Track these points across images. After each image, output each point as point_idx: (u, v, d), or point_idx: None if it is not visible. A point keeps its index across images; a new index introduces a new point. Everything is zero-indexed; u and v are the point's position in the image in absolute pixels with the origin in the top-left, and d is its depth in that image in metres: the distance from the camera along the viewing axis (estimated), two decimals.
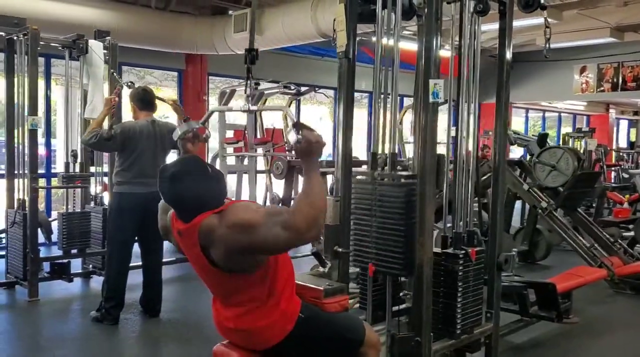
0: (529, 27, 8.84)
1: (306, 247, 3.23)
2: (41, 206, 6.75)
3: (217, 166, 8.15)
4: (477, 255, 3.08)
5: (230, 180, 8.21)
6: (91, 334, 4.13)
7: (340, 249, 2.83)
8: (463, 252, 3.02)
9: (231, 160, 8.17)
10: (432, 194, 2.85)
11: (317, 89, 8.21)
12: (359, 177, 2.99)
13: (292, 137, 2.06)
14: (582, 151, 9.17)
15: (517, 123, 15.37)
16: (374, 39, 2.98)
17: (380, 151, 2.93)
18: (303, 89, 8.22)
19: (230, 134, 8.08)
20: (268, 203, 6.67)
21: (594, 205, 8.96)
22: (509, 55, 3.28)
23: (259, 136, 8.51)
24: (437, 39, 2.82)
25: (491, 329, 3.31)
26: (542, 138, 8.17)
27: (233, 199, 2.34)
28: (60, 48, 5.27)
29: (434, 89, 2.81)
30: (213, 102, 8.60)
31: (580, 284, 4.62)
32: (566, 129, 15.58)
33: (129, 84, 4.50)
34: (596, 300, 5.30)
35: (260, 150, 8.16)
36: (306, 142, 2.06)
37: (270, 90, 8.06)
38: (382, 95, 2.96)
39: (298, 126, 2.08)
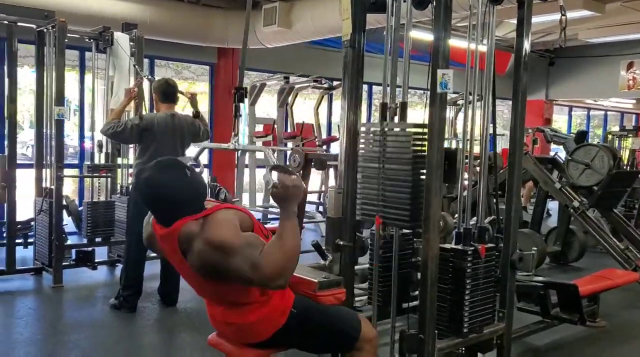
0: (570, 21, 8.59)
1: (306, 239, 3.20)
2: (73, 195, 6.95)
3: (246, 160, 8.22)
4: (487, 252, 2.99)
5: (259, 174, 8.27)
6: (107, 321, 4.20)
7: (342, 242, 2.78)
8: (472, 248, 2.93)
9: (260, 154, 8.22)
10: (438, 188, 2.77)
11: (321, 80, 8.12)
12: (367, 128, 2.91)
13: (267, 180, 2.02)
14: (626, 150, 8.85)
15: (559, 121, 14.96)
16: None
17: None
18: (335, 83, 8.18)
19: (259, 128, 8.13)
20: None
21: (637, 206, 8.62)
22: (527, 46, 3.16)
23: (289, 131, 8.54)
24: (446, 28, 2.74)
25: (503, 329, 3.21)
26: (580, 136, 7.94)
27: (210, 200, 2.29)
28: (87, 40, 5.36)
29: (442, 80, 2.73)
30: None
31: (608, 287, 4.43)
32: (614, 128, 15.06)
33: (149, 77, 4.54)
34: (627, 304, 5.09)
35: (290, 145, 8.18)
36: (282, 187, 2.01)
37: (300, 85, 8.06)
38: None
39: (275, 168, 2.03)
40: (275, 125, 8.01)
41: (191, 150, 4.44)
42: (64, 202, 5.60)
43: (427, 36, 2.95)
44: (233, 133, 2.51)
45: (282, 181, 2.01)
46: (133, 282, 4.34)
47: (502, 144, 11.59)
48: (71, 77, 7.64)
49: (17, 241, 5.81)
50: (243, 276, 2.00)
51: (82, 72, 7.19)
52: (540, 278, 4.06)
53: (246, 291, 2.16)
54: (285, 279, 2.04)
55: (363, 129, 2.90)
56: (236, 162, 8.15)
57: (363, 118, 3.08)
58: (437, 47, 2.73)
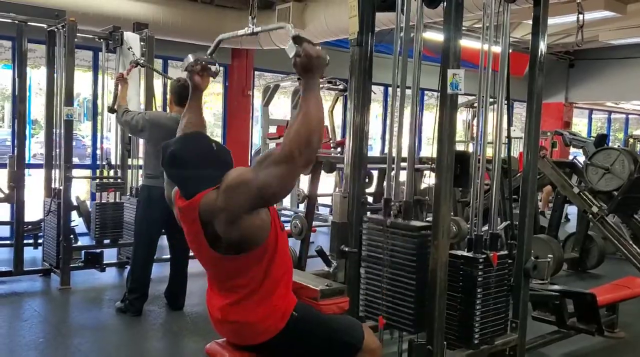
0: (591, 22, 8.40)
1: (311, 247, 3.10)
2: (86, 196, 6.93)
3: (320, 91, 8.08)
4: (500, 260, 2.87)
5: None
6: (112, 324, 4.14)
7: (347, 248, 2.68)
8: (484, 256, 2.82)
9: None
10: (448, 192, 2.66)
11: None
12: (371, 224, 2.81)
13: (290, 50, 1.87)
14: None
15: (579, 124, 14.70)
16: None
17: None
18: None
19: (273, 129, 8.05)
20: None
21: None
22: (543, 46, 3.04)
23: None
24: (458, 27, 2.63)
25: (516, 340, 3.09)
26: (600, 139, 7.73)
27: None
28: (97, 40, 5.32)
29: (453, 80, 2.62)
30: (258, 97, 8.57)
31: (627, 297, 4.28)
32: (635, 131, 14.75)
33: (141, 61, 4.54)
34: None
35: None
36: (306, 56, 1.86)
37: None
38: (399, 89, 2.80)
39: (298, 39, 1.88)
40: None
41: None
42: (75, 203, 5.59)
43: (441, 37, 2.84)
44: (250, 17, 2.32)
45: (307, 50, 1.87)
46: (139, 285, 4.28)
47: (520, 147, 11.43)
48: (86, 78, 7.65)
49: (28, 241, 5.81)
50: (272, 181, 1.87)
51: (96, 72, 7.16)
52: (556, 287, 3.92)
53: (255, 270, 2.08)
54: (312, 149, 1.86)
55: (368, 223, 2.80)
56: (249, 163, 8.08)
57: (378, 121, 2.98)
58: (447, 47, 2.63)
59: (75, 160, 5.88)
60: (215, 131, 8.99)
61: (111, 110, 4.51)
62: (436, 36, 6.27)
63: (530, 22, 3.05)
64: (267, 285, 2.12)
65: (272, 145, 8.00)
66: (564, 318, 3.88)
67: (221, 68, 8.83)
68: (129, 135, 5.19)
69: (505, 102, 3.02)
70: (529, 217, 3.10)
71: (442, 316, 2.67)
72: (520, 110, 15.49)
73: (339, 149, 8.10)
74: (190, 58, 2.42)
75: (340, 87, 8.07)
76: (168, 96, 4.36)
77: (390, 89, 2.92)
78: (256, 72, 8.92)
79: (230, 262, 2.11)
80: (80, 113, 7.65)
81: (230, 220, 1.99)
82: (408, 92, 2.85)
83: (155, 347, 3.88)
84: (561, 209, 6.44)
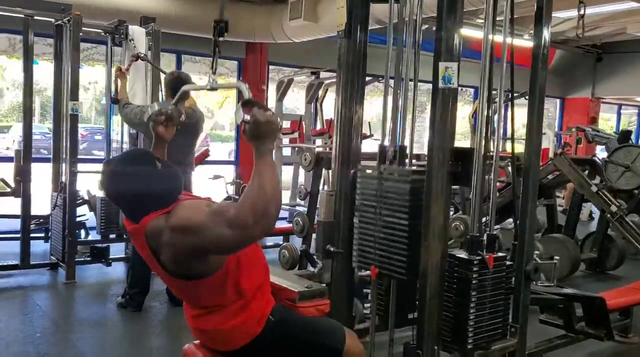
0: (618, 14, 8.11)
1: (298, 242, 3.02)
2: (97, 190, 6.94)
3: (273, 157, 8.06)
4: (496, 262, 2.74)
5: (286, 172, 8.13)
6: (112, 320, 4.13)
7: (332, 248, 2.59)
8: (479, 257, 2.70)
9: (287, 151, 8.08)
10: (441, 190, 2.54)
11: (380, 79, 7.90)
12: (365, 171, 2.73)
13: (238, 116, 1.79)
14: None
15: (607, 120, 14.31)
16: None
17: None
18: (367, 79, 7.96)
19: (287, 124, 7.98)
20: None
21: None
22: (546, 35, 2.88)
23: (318, 127, 8.36)
24: (453, 16, 2.50)
25: (515, 345, 2.96)
26: (624, 135, 7.49)
27: (188, 195, 2.14)
28: (102, 34, 5.31)
29: (445, 74, 2.50)
30: (273, 91, 8.51)
31: None
32: None
33: (141, 54, 4.51)
34: None
35: (318, 142, 8.00)
36: (254, 123, 1.78)
37: (330, 80, 7.87)
38: (402, 81, 2.69)
39: (248, 103, 1.80)
40: (303, 122, 7.84)
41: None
42: (86, 197, 5.60)
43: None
44: (211, 71, 2.37)
45: (255, 116, 1.79)
46: (139, 280, 4.26)
47: (542, 143, 11.16)
48: (100, 72, 7.67)
49: (39, 235, 5.87)
50: (224, 242, 1.78)
51: (110, 66, 7.16)
52: (564, 290, 3.76)
53: (221, 293, 2.00)
54: (270, 219, 1.76)
55: (361, 172, 2.69)
56: None
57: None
58: (440, 38, 2.51)
59: (101, 153, 5.88)
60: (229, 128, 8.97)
61: (113, 100, 4.52)
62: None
63: (555, 14, 2.90)
64: (240, 302, 2.04)
65: (285, 140, 7.94)
66: (572, 322, 3.73)
67: (234, 62, 8.78)
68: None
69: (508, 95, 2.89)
70: (529, 217, 2.96)
71: (433, 319, 2.57)
72: (547, 105, 15.20)
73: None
74: (155, 106, 2.36)
75: None
76: (163, 91, 4.31)
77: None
78: (271, 67, 8.84)
79: (189, 287, 2.03)
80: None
81: (173, 260, 1.91)
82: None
83: (154, 343, 3.85)
84: (579, 207, 6.22)
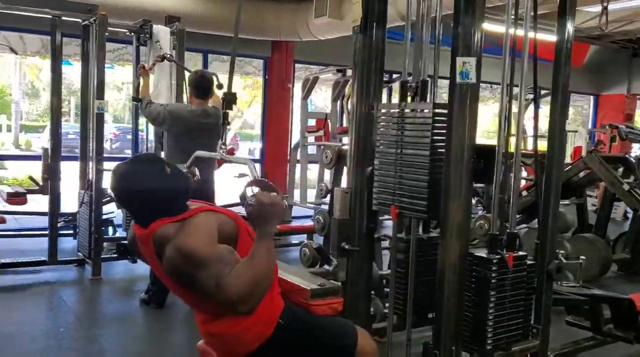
0: None
1: (293, 239, 2.99)
2: None
3: (298, 155, 8.08)
4: (516, 261, 2.68)
5: (313, 170, 8.12)
6: (134, 316, 4.17)
7: (348, 246, 2.56)
8: (498, 256, 2.64)
9: (312, 149, 8.06)
10: (459, 188, 2.49)
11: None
12: (386, 110, 2.67)
13: (242, 196, 1.84)
14: None
15: None
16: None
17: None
18: (394, 76, 7.88)
19: (312, 122, 7.96)
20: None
21: None
22: (570, 29, 2.81)
23: (344, 125, 8.32)
24: (471, 10, 2.45)
25: (537, 346, 2.89)
26: None
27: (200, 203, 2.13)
28: (128, 34, 5.37)
29: (462, 69, 2.45)
30: (298, 89, 8.49)
31: None
32: None
33: (167, 55, 4.52)
34: None
35: (345, 140, 7.96)
36: (258, 204, 1.82)
37: None
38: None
39: (253, 184, 1.85)
40: (329, 120, 7.81)
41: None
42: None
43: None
44: (221, 142, 2.44)
45: (258, 198, 1.83)
46: None
47: (575, 141, 10.91)
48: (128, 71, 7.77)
49: (68, 232, 5.97)
50: (207, 292, 1.85)
51: (137, 65, 7.25)
52: (590, 291, 3.66)
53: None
54: (250, 306, 1.89)
55: (382, 110, 2.67)
56: (288, 157, 8.04)
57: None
58: (457, 33, 2.46)
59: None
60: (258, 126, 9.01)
61: (134, 99, 4.50)
62: (489, 26, 5.99)
63: (588, 8, 2.82)
64: None
65: (311, 138, 7.92)
66: (600, 324, 3.63)
67: (260, 60, 8.79)
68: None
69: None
70: (552, 215, 2.89)
71: (450, 319, 2.52)
72: (581, 103, 14.87)
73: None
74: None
75: (384, 79, 7.89)
76: (187, 89, 4.33)
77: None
78: (296, 65, 8.84)
79: (195, 296, 2.01)
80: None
81: (170, 273, 1.91)
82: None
83: (174, 340, 3.88)
84: (610, 206, 6.06)
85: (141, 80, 4.48)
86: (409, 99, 2.67)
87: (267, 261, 1.85)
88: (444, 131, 2.45)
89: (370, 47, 2.59)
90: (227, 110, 2.75)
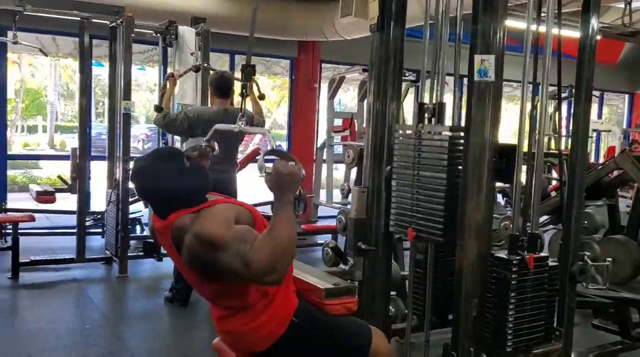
0: None
1: (319, 239, 2.99)
2: None
3: (324, 155, 8.06)
4: (537, 262, 2.63)
5: (340, 169, 8.10)
6: (158, 313, 4.23)
7: (364, 246, 2.55)
8: (519, 257, 2.59)
9: (339, 149, 8.04)
10: (478, 187, 2.46)
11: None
12: (402, 132, 2.66)
13: (260, 167, 1.84)
14: None
15: None
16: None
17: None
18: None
19: (338, 122, 7.95)
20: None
21: None
22: (594, 25, 2.75)
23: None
24: (490, 7, 2.42)
25: (559, 349, 2.83)
26: None
27: (218, 195, 2.15)
28: (154, 35, 5.44)
29: (481, 66, 2.42)
30: (325, 88, 8.49)
31: None
32: None
33: (204, 65, 4.50)
34: None
35: None
36: (276, 174, 1.82)
37: None
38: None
39: (271, 154, 1.85)
40: (355, 120, 7.78)
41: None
42: None
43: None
44: (240, 114, 2.43)
45: (276, 168, 1.83)
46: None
47: (609, 140, 10.66)
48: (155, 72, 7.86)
49: (97, 230, 6.09)
50: (233, 272, 1.84)
51: (165, 66, 7.35)
52: (616, 293, 3.58)
53: (244, 293, 2.00)
54: (278, 275, 1.85)
55: (399, 131, 2.66)
56: (314, 157, 8.04)
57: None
58: (476, 30, 2.42)
59: None
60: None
61: (157, 108, 4.33)
62: (515, 23, 5.89)
63: (621, 4, 2.75)
64: (263, 301, 2.04)
65: (337, 138, 7.91)
66: (628, 328, 3.54)
67: (287, 60, 8.79)
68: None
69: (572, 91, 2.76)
70: (575, 216, 2.83)
71: (468, 321, 2.49)
72: (616, 102, 14.52)
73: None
74: (191, 143, 2.48)
75: (410, 78, 7.85)
76: (208, 90, 4.35)
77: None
78: (323, 65, 8.83)
79: (215, 287, 2.05)
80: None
81: (190, 262, 1.92)
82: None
83: (197, 337, 3.91)
84: None
85: (168, 87, 4.48)
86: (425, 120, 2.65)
87: (289, 230, 1.84)
88: (461, 154, 2.43)
89: (388, 45, 2.57)
90: (247, 82, 2.77)
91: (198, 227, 1.87)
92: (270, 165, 1.87)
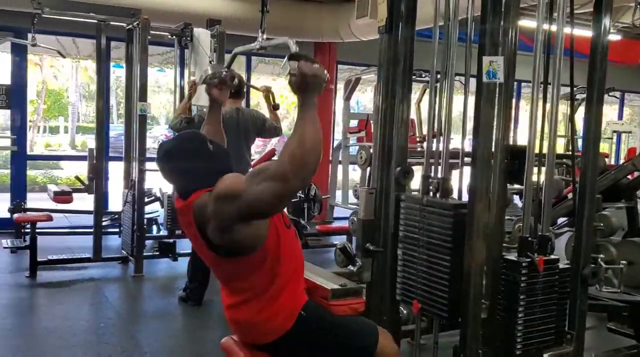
0: None
1: (335, 240, 2.99)
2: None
3: (340, 156, 8.07)
4: (547, 265, 2.61)
5: (357, 171, 8.09)
6: (172, 313, 4.27)
7: (372, 247, 2.55)
8: (528, 260, 2.57)
9: (354, 150, 8.05)
10: (485, 189, 2.46)
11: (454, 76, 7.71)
12: (408, 203, 2.63)
13: (285, 68, 1.80)
14: None
15: None
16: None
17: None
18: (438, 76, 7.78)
19: (354, 123, 7.95)
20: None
21: None
22: (607, 23, 2.71)
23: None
24: (499, 8, 2.41)
25: (571, 353, 2.80)
26: None
27: None
28: (170, 37, 5.49)
29: (489, 68, 2.41)
30: (341, 90, 8.50)
31: None
32: None
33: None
34: None
35: None
36: (301, 74, 1.79)
37: None
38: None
39: (295, 56, 1.81)
40: (371, 121, 7.78)
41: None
42: (158, 195, 5.83)
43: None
44: (260, 31, 2.30)
45: (301, 69, 1.80)
46: (199, 275, 4.37)
47: (630, 142, 10.52)
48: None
49: (114, 230, 6.17)
50: (266, 198, 1.81)
51: (182, 68, 7.41)
52: (631, 297, 3.53)
53: (255, 274, 2.05)
54: (307, 171, 1.79)
55: (406, 200, 2.63)
56: (330, 158, 8.04)
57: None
58: (484, 30, 2.42)
59: None
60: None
61: (187, 119, 4.39)
62: (529, 23, 5.83)
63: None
64: (273, 289, 2.07)
65: (352, 139, 7.92)
66: None
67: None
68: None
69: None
70: (587, 219, 2.80)
71: (476, 323, 2.48)
72: (638, 103, 14.30)
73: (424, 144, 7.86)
74: (209, 70, 2.46)
75: (427, 79, 7.82)
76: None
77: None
78: (339, 66, 8.83)
79: (230, 265, 2.09)
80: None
81: (220, 228, 1.95)
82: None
83: (209, 336, 3.94)
84: None
85: (187, 95, 4.53)
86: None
87: (314, 131, 1.81)
88: (464, 233, 2.40)
89: (396, 47, 2.57)
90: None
91: (215, 192, 1.93)
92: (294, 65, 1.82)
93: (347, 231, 5.95)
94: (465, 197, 2.62)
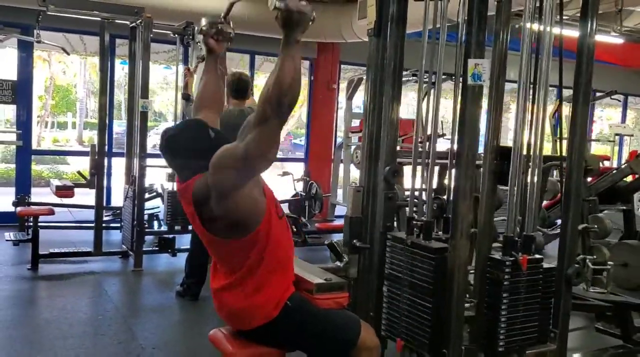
0: None
1: (334, 238, 3.05)
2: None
3: (342, 156, 8.12)
4: (531, 264, 2.66)
5: (354, 170, 8.15)
6: (169, 307, 4.34)
7: (359, 243, 2.61)
8: (512, 259, 2.63)
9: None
10: (469, 188, 2.51)
11: (452, 78, 7.76)
12: (393, 242, 2.68)
13: (271, 3, 1.82)
14: None
15: None
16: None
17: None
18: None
19: (356, 123, 8.00)
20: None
21: None
22: (593, 25, 2.76)
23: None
24: (485, 11, 2.47)
25: (554, 351, 2.85)
26: None
27: None
28: (172, 35, 5.56)
29: (474, 71, 2.47)
30: (343, 90, 8.55)
31: None
32: None
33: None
34: None
35: None
36: (286, 10, 1.83)
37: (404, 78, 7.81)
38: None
39: None
40: None
41: None
42: (159, 191, 5.92)
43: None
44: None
45: (287, 4, 1.84)
46: (196, 270, 4.44)
47: (632, 145, 10.51)
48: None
49: (116, 225, 6.25)
50: (253, 147, 1.90)
51: (186, 65, 7.48)
52: (616, 297, 3.57)
53: (247, 252, 2.13)
54: (285, 108, 1.86)
55: (392, 239, 2.68)
56: (332, 156, 8.10)
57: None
58: (470, 32, 2.47)
59: None
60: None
61: (184, 96, 4.74)
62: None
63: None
64: (260, 274, 2.15)
65: (354, 138, 7.97)
66: (629, 332, 3.54)
67: (306, 61, 8.85)
68: None
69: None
70: (572, 220, 2.85)
71: (460, 320, 2.54)
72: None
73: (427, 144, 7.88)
74: (204, 21, 2.47)
75: (426, 79, 7.85)
76: (225, 90, 4.45)
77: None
78: (343, 66, 8.89)
79: (223, 246, 2.18)
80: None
81: (221, 195, 2.03)
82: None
83: (204, 331, 3.93)
84: None
85: (186, 80, 4.67)
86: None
87: (294, 68, 1.85)
88: (446, 274, 2.46)
89: (384, 50, 2.63)
90: None
91: (211, 163, 2.01)
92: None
93: None
94: None
